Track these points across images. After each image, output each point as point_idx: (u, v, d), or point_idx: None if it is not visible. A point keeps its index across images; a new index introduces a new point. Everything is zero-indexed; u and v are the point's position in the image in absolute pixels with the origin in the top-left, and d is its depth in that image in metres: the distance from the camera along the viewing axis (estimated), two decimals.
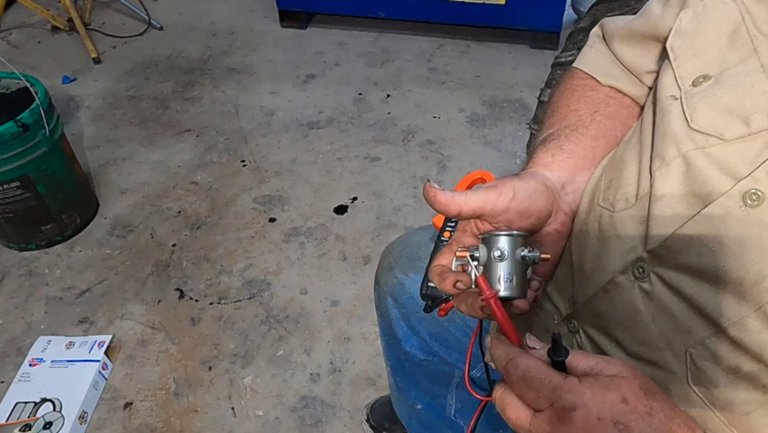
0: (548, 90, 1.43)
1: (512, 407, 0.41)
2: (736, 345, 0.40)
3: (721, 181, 0.41)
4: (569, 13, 2.52)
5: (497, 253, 0.45)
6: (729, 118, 0.42)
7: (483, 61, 2.48)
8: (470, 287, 0.48)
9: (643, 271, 0.45)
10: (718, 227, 0.40)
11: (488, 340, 0.44)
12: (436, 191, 0.46)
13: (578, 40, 1.39)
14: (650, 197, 0.45)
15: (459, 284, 0.47)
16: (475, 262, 0.47)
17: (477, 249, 0.47)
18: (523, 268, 0.46)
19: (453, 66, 2.45)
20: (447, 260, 0.50)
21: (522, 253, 0.45)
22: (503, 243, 0.45)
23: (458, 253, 0.48)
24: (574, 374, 0.39)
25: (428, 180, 0.47)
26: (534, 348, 0.42)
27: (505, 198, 0.47)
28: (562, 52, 1.42)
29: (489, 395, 0.46)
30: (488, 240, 0.46)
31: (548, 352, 0.41)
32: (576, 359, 0.40)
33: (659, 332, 0.45)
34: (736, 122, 0.42)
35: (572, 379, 0.38)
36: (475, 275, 0.47)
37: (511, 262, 0.45)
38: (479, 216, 0.48)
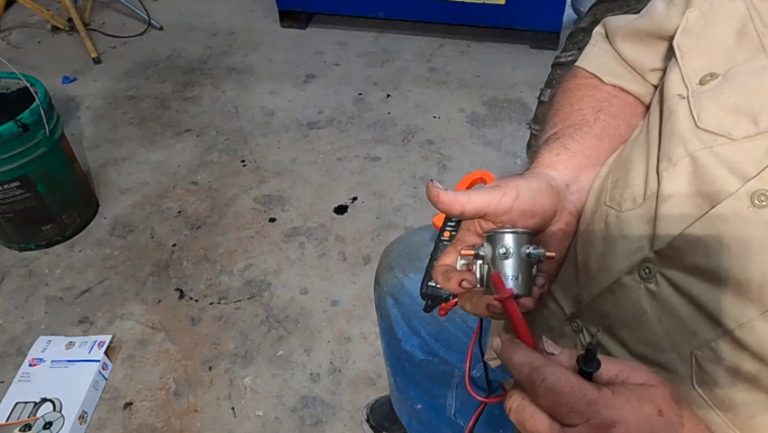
0: (548, 90, 1.43)
1: (534, 419, 0.38)
2: (743, 347, 0.40)
3: (729, 182, 0.40)
4: (569, 13, 2.52)
5: (502, 251, 0.45)
6: (737, 117, 0.41)
7: (483, 61, 2.47)
8: (476, 286, 0.47)
9: (649, 272, 0.45)
10: (726, 228, 0.40)
11: (495, 342, 0.42)
12: (439, 191, 0.46)
13: (578, 40, 1.39)
14: (657, 197, 0.44)
15: (464, 283, 0.47)
16: (480, 261, 0.46)
17: (482, 247, 0.46)
18: (528, 265, 0.46)
19: (453, 66, 2.45)
20: (451, 259, 0.50)
21: (527, 251, 0.45)
22: (508, 240, 0.45)
23: (463, 252, 0.47)
24: (598, 382, 0.38)
25: (431, 180, 0.47)
26: (554, 354, 0.40)
27: (508, 198, 0.47)
28: (562, 52, 1.42)
29: (489, 396, 0.45)
30: (492, 238, 0.46)
31: (578, 361, 0.38)
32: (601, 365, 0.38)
33: (664, 333, 0.45)
34: (744, 121, 0.41)
35: (606, 392, 0.36)
36: (487, 273, 0.46)
37: (516, 259, 0.45)
38: (482, 216, 0.48)
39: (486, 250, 0.46)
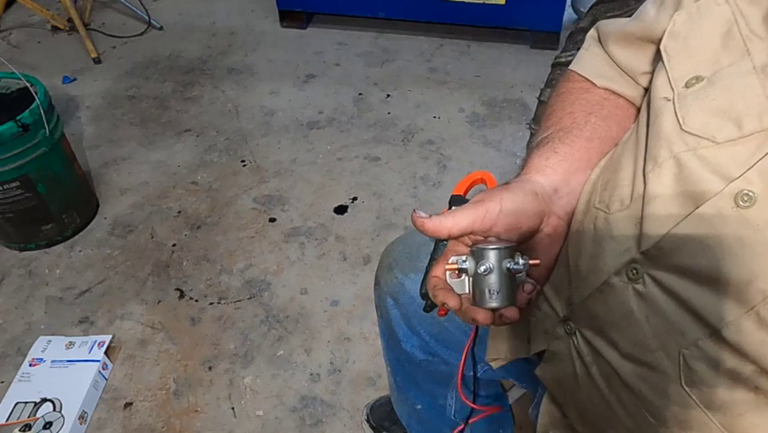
0: (548, 90, 1.43)
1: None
2: (729, 345, 0.40)
3: (713, 182, 0.41)
4: (569, 13, 2.52)
5: (482, 269, 0.47)
6: (721, 120, 0.42)
7: (483, 61, 2.48)
8: (460, 308, 0.49)
9: (636, 273, 0.46)
10: (710, 228, 0.40)
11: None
12: (424, 220, 0.48)
13: (578, 40, 1.39)
14: (643, 198, 0.45)
15: (446, 306, 0.49)
16: (464, 275, 0.49)
17: (465, 262, 0.48)
18: (510, 278, 0.48)
19: (453, 66, 2.45)
20: (441, 270, 0.52)
21: (508, 265, 0.47)
22: (489, 256, 0.47)
23: (447, 267, 0.50)
24: None
25: (414, 210, 0.49)
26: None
27: (491, 213, 0.49)
28: (562, 52, 1.42)
29: (475, 400, 0.48)
30: (475, 253, 0.48)
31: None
32: None
33: (652, 333, 0.45)
34: (727, 124, 0.41)
35: None
36: (472, 285, 0.50)
37: (498, 274, 0.47)
38: (469, 234, 0.50)
39: (469, 264, 0.48)
